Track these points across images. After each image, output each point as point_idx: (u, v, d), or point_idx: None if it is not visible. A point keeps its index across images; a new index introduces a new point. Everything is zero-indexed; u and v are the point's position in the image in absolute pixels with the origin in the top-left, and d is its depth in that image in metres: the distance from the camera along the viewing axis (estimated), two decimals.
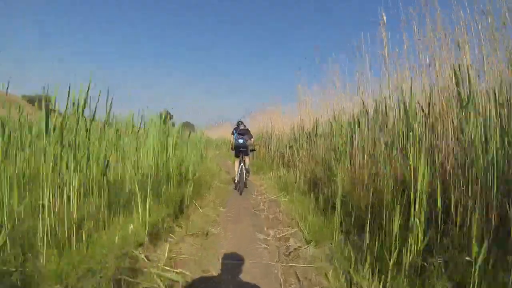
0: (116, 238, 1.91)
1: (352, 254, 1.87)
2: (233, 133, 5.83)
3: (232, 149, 5.77)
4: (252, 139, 5.81)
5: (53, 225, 1.72)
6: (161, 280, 1.73)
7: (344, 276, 1.77)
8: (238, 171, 5.33)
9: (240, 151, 5.50)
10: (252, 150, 5.98)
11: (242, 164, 5.31)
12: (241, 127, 5.73)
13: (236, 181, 5.45)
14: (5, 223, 1.60)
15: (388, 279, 1.54)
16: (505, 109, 1.80)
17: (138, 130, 3.69)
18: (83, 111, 2.06)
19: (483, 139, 1.74)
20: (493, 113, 1.82)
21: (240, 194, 5.13)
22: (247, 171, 5.71)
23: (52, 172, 1.78)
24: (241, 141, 5.52)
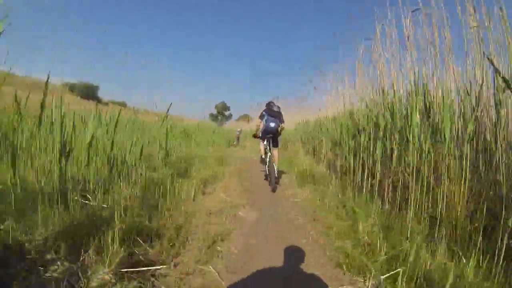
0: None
1: None
2: (261, 116, 4.46)
3: (255, 135, 4.65)
4: (284, 124, 4.50)
5: None
6: None
7: None
8: (265, 155, 4.42)
9: (269, 137, 4.38)
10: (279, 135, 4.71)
11: (269, 152, 4.29)
12: (275, 108, 4.47)
13: (266, 171, 4.46)
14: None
15: None
16: None
17: None
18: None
19: None
20: None
21: (273, 191, 3.98)
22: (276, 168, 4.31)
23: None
24: (272, 124, 4.30)
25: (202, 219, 2.43)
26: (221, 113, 44.15)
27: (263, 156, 4.65)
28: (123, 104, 37.90)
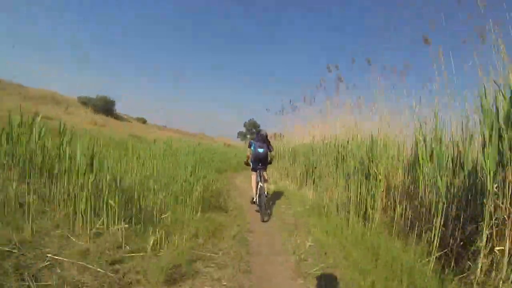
0: None
1: None
2: (250, 145, 4.79)
3: (247, 163, 4.89)
4: (273, 152, 4.95)
5: None
6: None
7: None
8: (257, 191, 4.45)
9: (260, 165, 4.59)
10: (269, 163, 4.91)
11: (260, 183, 4.38)
12: (262, 133, 4.89)
13: (255, 201, 4.55)
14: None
15: None
16: None
17: None
18: None
19: None
20: None
21: (263, 220, 4.08)
22: (266, 192, 4.56)
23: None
24: (261, 150, 4.57)
25: None
26: (251, 131, 41.86)
27: (254, 191, 4.65)
28: (142, 120, 36.90)
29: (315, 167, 5.87)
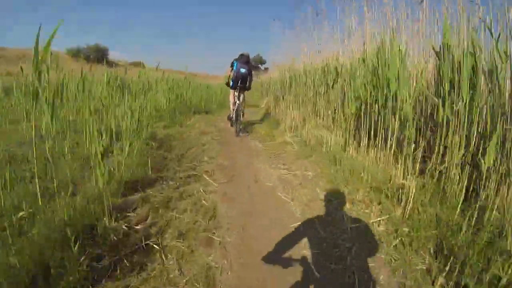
0: None
1: None
2: (232, 64, 4.74)
3: (227, 84, 4.85)
4: (253, 79, 4.89)
5: None
6: None
7: None
8: (233, 107, 4.76)
9: (240, 83, 4.63)
10: (247, 89, 4.88)
11: (238, 101, 4.65)
12: (245, 56, 4.78)
13: (231, 117, 4.93)
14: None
15: None
16: None
17: None
18: None
19: None
20: None
21: (237, 135, 4.65)
22: (242, 111, 4.84)
23: None
24: (243, 70, 4.60)
25: None
26: (257, 67, 40.64)
27: (231, 108, 4.96)
28: (139, 65, 33.76)
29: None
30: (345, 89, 3.49)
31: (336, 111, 3.80)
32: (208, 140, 4.25)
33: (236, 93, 4.65)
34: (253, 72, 4.82)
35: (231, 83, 4.72)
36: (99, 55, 29.32)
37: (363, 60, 2.89)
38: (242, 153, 3.73)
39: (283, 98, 6.31)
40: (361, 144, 2.92)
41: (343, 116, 3.33)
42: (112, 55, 31.96)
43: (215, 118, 6.57)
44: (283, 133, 4.69)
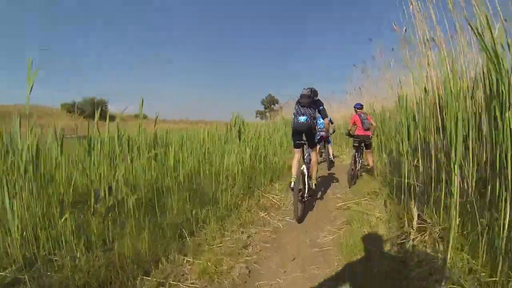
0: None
1: None
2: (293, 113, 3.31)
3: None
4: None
5: None
6: None
7: None
8: (295, 175, 3.04)
9: (299, 138, 3.17)
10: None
11: (305, 161, 3.17)
12: (305, 92, 3.18)
13: (292, 187, 3.00)
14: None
15: None
16: None
17: None
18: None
19: None
20: None
21: (298, 222, 2.87)
22: (310, 177, 3.23)
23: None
24: (302, 119, 3.10)
25: None
26: (270, 108, 37.08)
27: (293, 171, 3.18)
28: (143, 117, 27.96)
29: None
30: None
31: None
32: None
33: (298, 154, 3.21)
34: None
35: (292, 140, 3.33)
36: (96, 109, 23.06)
37: None
38: None
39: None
40: None
41: None
42: (110, 108, 26.51)
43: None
44: None
